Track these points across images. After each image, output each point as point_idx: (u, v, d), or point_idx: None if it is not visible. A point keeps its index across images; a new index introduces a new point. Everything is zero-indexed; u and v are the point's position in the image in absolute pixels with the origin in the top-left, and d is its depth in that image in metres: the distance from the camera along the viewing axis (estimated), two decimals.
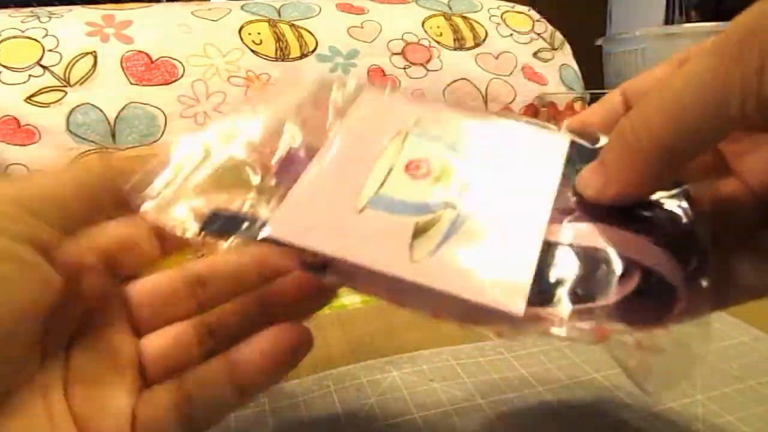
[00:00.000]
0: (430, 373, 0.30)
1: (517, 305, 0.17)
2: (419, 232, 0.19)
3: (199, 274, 0.23)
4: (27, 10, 0.55)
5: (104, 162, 0.21)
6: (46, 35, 0.51)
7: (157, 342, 0.22)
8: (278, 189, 0.21)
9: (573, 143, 0.23)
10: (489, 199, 0.21)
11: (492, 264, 0.19)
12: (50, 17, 0.53)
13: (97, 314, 0.21)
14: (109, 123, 0.49)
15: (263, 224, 0.20)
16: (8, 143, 0.46)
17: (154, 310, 0.23)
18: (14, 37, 0.50)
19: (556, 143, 0.23)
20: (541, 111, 0.58)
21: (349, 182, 0.21)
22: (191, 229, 0.20)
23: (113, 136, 0.49)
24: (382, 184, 0.21)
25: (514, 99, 0.59)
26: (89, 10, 0.55)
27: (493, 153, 0.22)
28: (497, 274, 0.18)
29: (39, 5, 0.58)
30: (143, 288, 0.23)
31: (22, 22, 0.52)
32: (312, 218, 0.20)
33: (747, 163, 0.21)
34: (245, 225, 0.20)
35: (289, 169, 0.22)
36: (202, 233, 0.20)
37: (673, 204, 0.20)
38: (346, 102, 0.24)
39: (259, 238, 0.19)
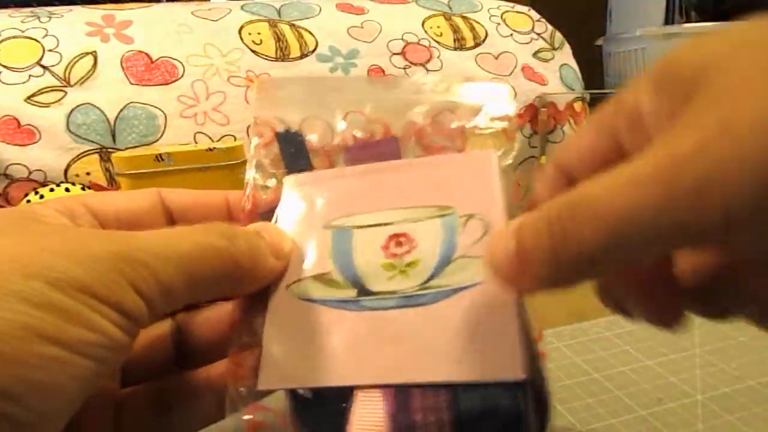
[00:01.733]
0: None
1: None
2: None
3: None
4: (27, 10, 0.55)
5: (231, 236, 0.19)
6: (46, 35, 0.51)
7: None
8: (337, 160, 0.24)
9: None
10: None
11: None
12: (50, 17, 0.53)
13: None
14: (109, 123, 0.49)
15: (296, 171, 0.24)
16: (8, 143, 0.46)
17: None
18: (14, 37, 0.50)
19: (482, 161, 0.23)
20: (540, 111, 0.58)
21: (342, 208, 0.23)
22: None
23: (113, 136, 0.49)
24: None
25: (514, 99, 0.59)
26: (89, 10, 0.55)
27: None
28: None
29: (39, 5, 0.58)
30: None
31: (22, 22, 0.52)
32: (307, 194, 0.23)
33: None
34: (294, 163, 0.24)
35: (356, 152, 0.24)
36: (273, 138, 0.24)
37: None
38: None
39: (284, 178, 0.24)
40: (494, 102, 0.25)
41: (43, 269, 0.15)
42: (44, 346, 0.15)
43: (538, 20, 0.66)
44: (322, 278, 0.21)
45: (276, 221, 0.23)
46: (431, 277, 0.20)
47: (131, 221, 0.21)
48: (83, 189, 0.44)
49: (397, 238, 0.21)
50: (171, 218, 0.23)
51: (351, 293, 0.20)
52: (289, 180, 0.24)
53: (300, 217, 0.23)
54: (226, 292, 0.20)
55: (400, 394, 0.18)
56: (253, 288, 0.21)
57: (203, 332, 0.23)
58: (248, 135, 0.51)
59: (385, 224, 0.21)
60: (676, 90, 0.16)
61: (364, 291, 0.20)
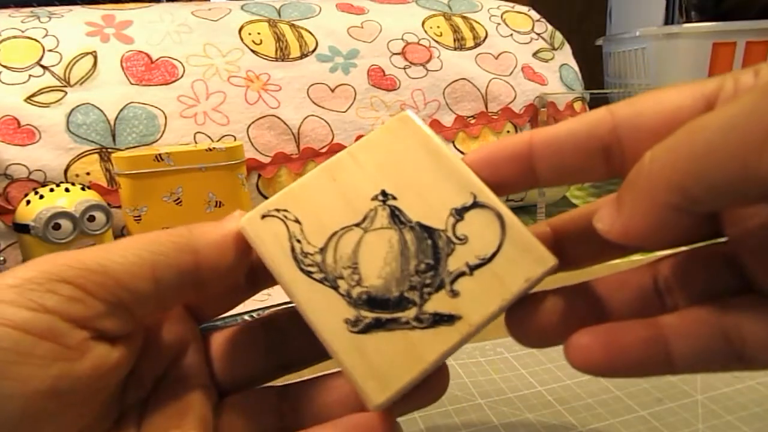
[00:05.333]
0: None
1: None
2: None
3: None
4: (27, 10, 0.55)
5: (177, 240, 0.18)
6: (46, 35, 0.51)
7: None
8: None
9: None
10: None
11: None
12: (50, 17, 0.53)
13: (176, 367, 0.20)
14: (109, 123, 0.49)
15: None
16: (8, 143, 0.46)
17: (232, 359, 0.22)
18: (14, 37, 0.50)
19: None
20: (540, 111, 0.58)
21: None
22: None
23: (113, 136, 0.49)
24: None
25: (514, 99, 0.59)
26: (89, 10, 0.55)
27: None
28: None
29: (39, 5, 0.58)
30: (221, 337, 0.22)
31: (22, 22, 0.52)
32: None
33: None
34: None
35: None
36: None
37: None
38: None
39: None
40: None
41: None
42: None
43: (538, 20, 0.66)
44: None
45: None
46: None
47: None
48: (83, 189, 0.44)
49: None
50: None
51: None
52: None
53: None
54: (200, 283, 0.19)
55: None
56: (221, 278, 0.19)
57: (311, 403, 0.21)
58: None
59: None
60: None
61: None
